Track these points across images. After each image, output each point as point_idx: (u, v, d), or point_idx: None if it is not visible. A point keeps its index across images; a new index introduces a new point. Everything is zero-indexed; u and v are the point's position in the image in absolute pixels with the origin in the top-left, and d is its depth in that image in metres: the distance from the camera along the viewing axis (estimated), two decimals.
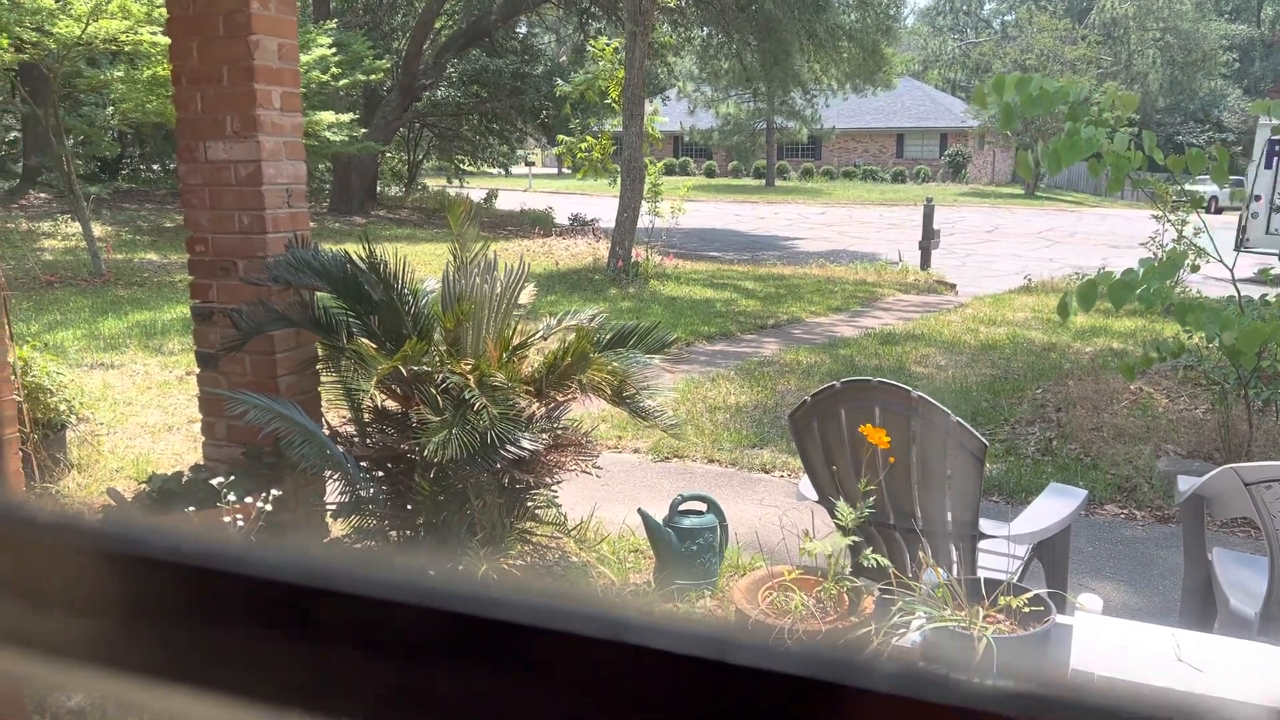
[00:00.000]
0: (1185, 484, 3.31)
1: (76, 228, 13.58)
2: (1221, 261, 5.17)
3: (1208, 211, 9.46)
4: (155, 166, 24.08)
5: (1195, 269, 6.49)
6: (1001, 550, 3.30)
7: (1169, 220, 9.12)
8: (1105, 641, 2.42)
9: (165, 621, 0.22)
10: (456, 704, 0.19)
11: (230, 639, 0.21)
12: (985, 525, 3.12)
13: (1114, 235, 21.92)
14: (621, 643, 0.18)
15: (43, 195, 18.61)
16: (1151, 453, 5.73)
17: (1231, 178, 28.19)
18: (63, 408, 5.12)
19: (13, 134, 23.14)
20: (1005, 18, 59.32)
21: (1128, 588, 4.18)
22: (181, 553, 0.21)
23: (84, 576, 0.23)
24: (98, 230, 13.36)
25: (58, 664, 0.23)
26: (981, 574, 3.10)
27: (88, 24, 10.58)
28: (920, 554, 3.09)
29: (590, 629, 0.18)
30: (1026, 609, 2.44)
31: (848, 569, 3.06)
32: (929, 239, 14.91)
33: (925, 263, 14.83)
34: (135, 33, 10.94)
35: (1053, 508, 3.44)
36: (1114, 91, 4.21)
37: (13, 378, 4.17)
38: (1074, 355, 8.79)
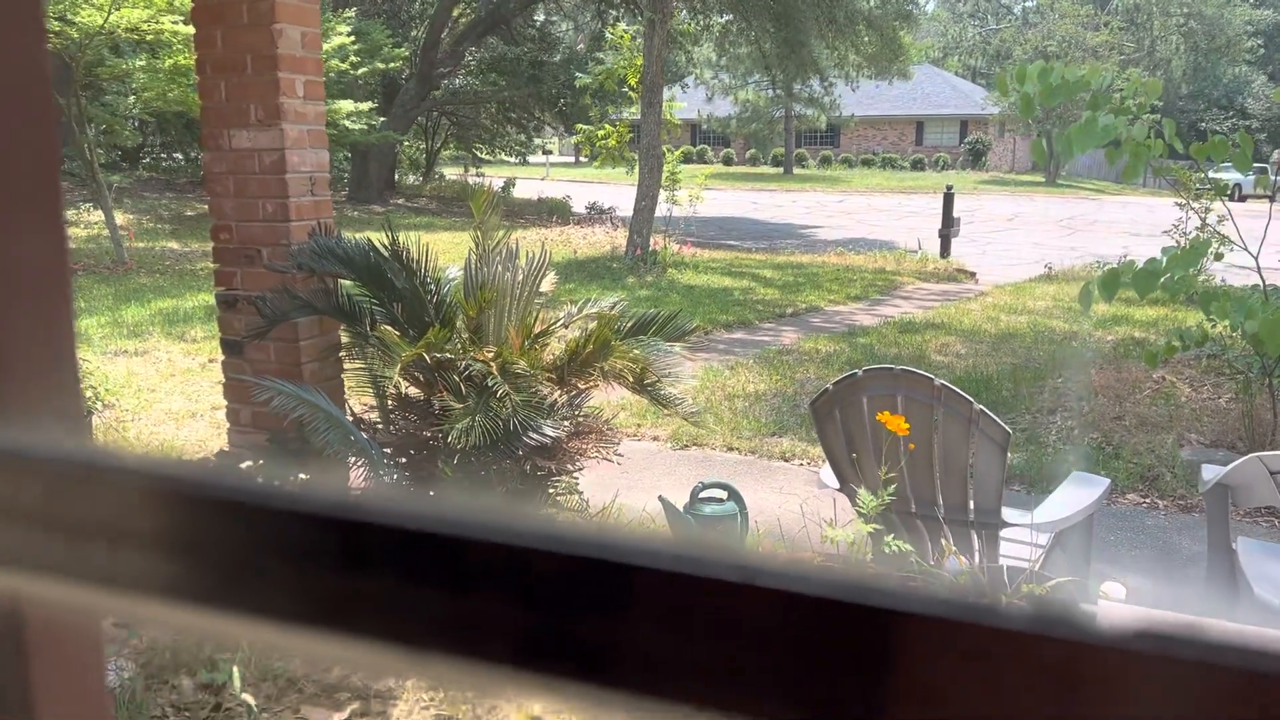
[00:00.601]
0: (1209, 473, 3.30)
1: (99, 216, 13.68)
2: (1246, 249, 5.13)
3: (1231, 199, 9.38)
4: (177, 155, 24.21)
5: (1219, 257, 6.45)
6: (1024, 539, 3.29)
7: (1192, 208, 9.05)
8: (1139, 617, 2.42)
9: (309, 568, 0.23)
10: (595, 645, 0.20)
11: (374, 586, 0.22)
12: (1008, 514, 3.12)
13: (1136, 223, 21.75)
14: (752, 585, 0.19)
15: (66, 184, 18.75)
16: (1174, 442, 5.70)
17: (1255, 165, 27.91)
18: (88, 395, 5.18)
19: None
20: (1026, 4, 58.79)
21: (1151, 577, 4.16)
22: (325, 504, 0.22)
23: (222, 527, 0.24)
24: (120, 219, 13.47)
25: (215, 615, 0.24)
26: (1004, 562, 3.11)
27: (109, 13, 10.63)
28: (942, 542, 3.09)
29: (720, 574, 0.19)
30: (1049, 597, 2.44)
31: (869, 557, 3.06)
32: (949, 227, 14.83)
33: (945, 251, 14.75)
34: (157, 21, 10.99)
35: (1075, 496, 3.43)
36: (1137, 79, 4.17)
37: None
38: (1096, 344, 8.74)
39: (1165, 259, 4.16)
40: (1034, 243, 18.31)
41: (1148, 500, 5.01)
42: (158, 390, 6.72)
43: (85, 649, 0.37)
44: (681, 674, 0.20)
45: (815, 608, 0.19)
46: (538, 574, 0.21)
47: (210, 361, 7.05)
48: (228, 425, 4.18)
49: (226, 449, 4.14)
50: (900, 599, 0.20)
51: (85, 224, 14.92)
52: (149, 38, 11.58)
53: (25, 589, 0.29)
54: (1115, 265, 4.27)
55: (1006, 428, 3.03)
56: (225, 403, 4.17)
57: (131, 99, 13.88)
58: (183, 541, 0.24)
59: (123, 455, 0.26)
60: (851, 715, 0.20)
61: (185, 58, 11.63)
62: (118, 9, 10.65)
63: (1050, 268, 13.66)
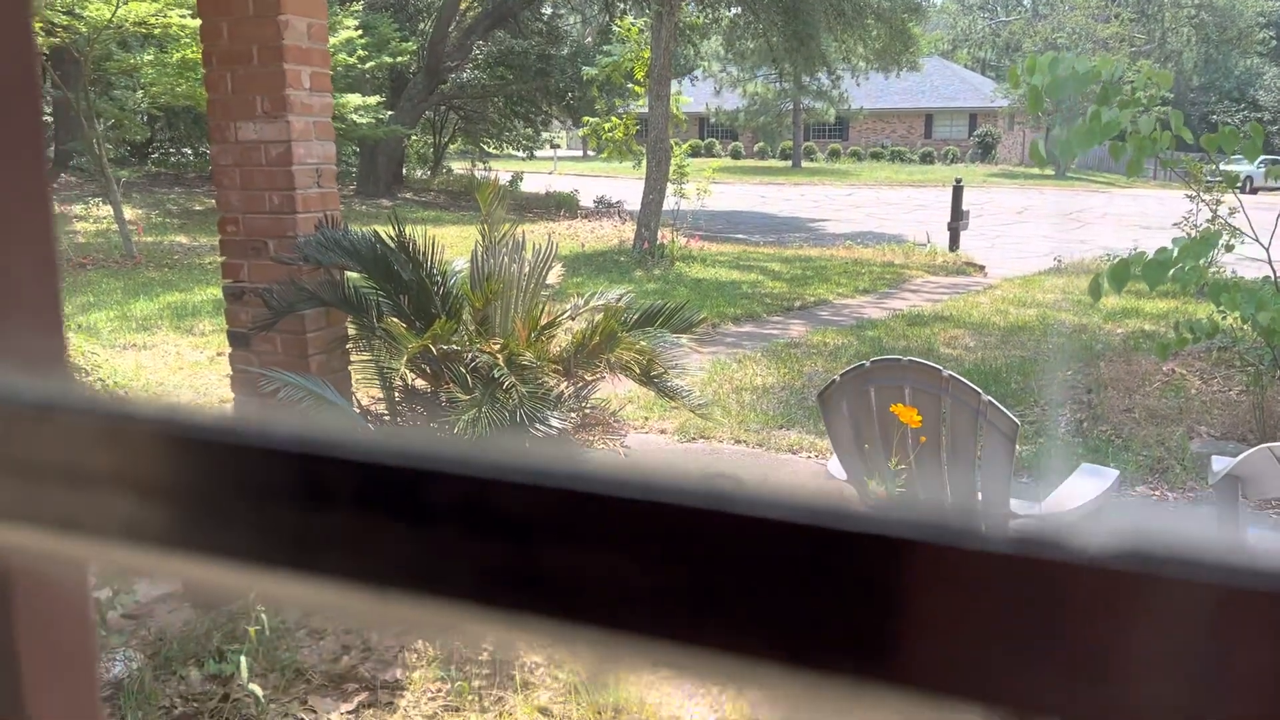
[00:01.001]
0: (1220, 464, 3.28)
1: (108, 211, 13.72)
2: (1258, 241, 5.10)
3: (1243, 191, 9.32)
4: (185, 150, 24.26)
5: (1230, 249, 6.41)
6: None
7: (1202, 200, 9.00)
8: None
9: (277, 510, 0.22)
10: (563, 578, 0.20)
11: (334, 522, 0.22)
12: (1016, 505, 3.11)
13: (1146, 216, 21.64)
14: (724, 513, 0.19)
15: (74, 178, 18.82)
16: (1184, 434, 5.67)
17: (1265, 156, 27.76)
18: (97, 387, 5.19)
19: (44, 118, 23.36)
20: None
21: None
22: (282, 439, 0.22)
23: (187, 466, 0.23)
24: (128, 213, 13.50)
25: (170, 555, 0.23)
26: None
27: (118, 7, 10.65)
28: None
29: (691, 500, 0.19)
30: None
31: None
32: (958, 220, 14.78)
33: (954, 244, 14.70)
34: (165, 15, 11.01)
35: (1084, 488, 3.41)
36: (1148, 70, 4.14)
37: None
38: (1105, 336, 8.71)
39: (1176, 250, 4.13)
40: (1043, 235, 18.24)
41: (1157, 492, 4.99)
42: (166, 383, 6.74)
43: (73, 598, 0.37)
44: (651, 606, 0.20)
45: (789, 533, 0.19)
46: (500, 506, 0.21)
47: (218, 355, 7.07)
48: None
49: None
50: (876, 523, 0.19)
51: (94, 218, 14.96)
52: (157, 31, 11.60)
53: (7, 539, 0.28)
54: (1126, 257, 4.25)
55: (1014, 419, 3.02)
56: (233, 395, 4.18)
57: (140, 93, 13.91)
58: (137, 480, 0.24)
59: (76, 394, 0.26)
60: (828, 641, 0.20)
61: (193, 51, 11.64)
62: (125, 3, 10.67)
63: (1060, 260, 13.60)
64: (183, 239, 14.05)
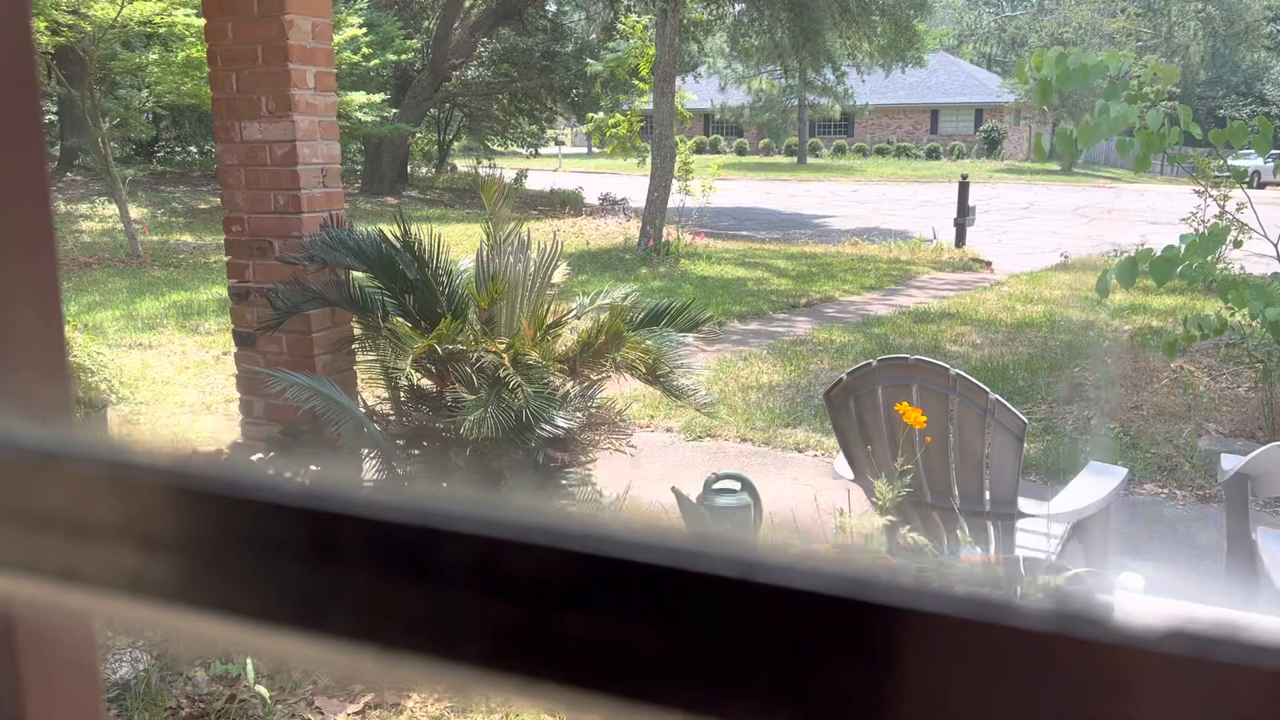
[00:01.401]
0: (1229, 462, 3.26)
1: (113, 210, 13.74)
2: (1266, 236, 5.07)
3: (1251, 186, 9.27)
4: (191, 149, 24.30)
5: (1238, 244, 6.38)
6: (1040, 529, 3.27)
7: (1210, 195, 8.96)
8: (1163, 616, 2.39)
9: (276, 562, 0.21)
10: (579, 645, 0.19)
11: (343, 581, 0.21)
12: (1024, 504, 3.10)
13: (1153, 211, 21.57)
14: (749, 581, 0.18)
15: (80, 177, 18.85)
16: (1193, 431, 5.65)
17: (1274, 150, 27.59)
18: (103, 387, 5.20)
19: (49, 117, 23.44)
20: None
21: (1169, 567, 4.13)
22: (292, 495, 0.21)
23: (195, 520, 0.22)
24: (134, 212, 13.52)
25: (175, 610, 0.22)
26: (1020, 553, 3.08)
27: (123, 6, 10.66)
28: (958, 532, 3.07)
29: (714, 568, 0.18)
30: (1066, 588, 2.41)
31: (885, 548, 3.04)
32: (964, 216, 14.73)
33: (960, 240, 14.66)
34: (169, 14, 11.02)
35: (1092, 486, 3.40)
36: (1155, 65, 4.11)
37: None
38: (1113, 333, 8.68)
39: (1183, 246, 4.11)
40: (1050, 231, 18.19)
41: (1166, 490, 4.96)
42: (172, 383, 6.74)
43: (78, 652, 0.36)
44: (670, 676, 0.19)
45: (816, 605, 0.18)
46: (516, 568, 0.20)
47: (224, 354, 7.07)
48: (241, 418, 4.18)
49: (240, 441, 4.14)
50: (907, 595, 0.18)
51: (100, 218, 14.99)
52: (162, 30, 11.60)
53: (13, 590, 0.28)
54: (1133, 253, 4.23)
55: (1023, 417, 3.00)
56: (238, 395, 4.18)
57: (145, 92, 13.92)
58: (146, 534, 0.23)
59: (82, 444, 0.25)
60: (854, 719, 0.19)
61: (198, 50, 11.64)
62: (131, 2, 10.68)
63: (1066, 256, 13.56)
64: (188, 238, 14.06)
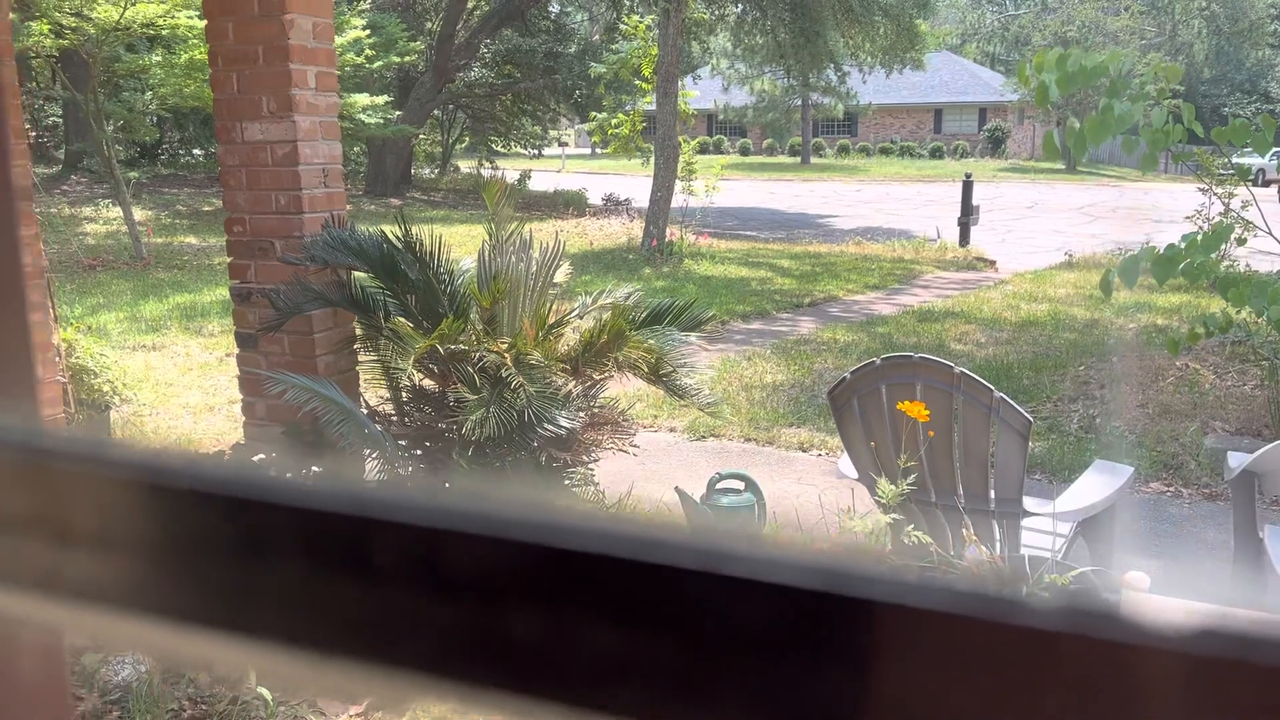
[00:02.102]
0: (1236, 460, 3.24)
1: (117, 212, 13.75)
2: (1270, 234, 5.05)
3: (1255, 184, 9.23)
4: (195, 151, 24.33)
5: (1242, 242, 6.35)
6: (1046, 528, 3.25)
7: (1215, 193, 8.93)
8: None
9: (207, 561, 0.20)
10: (532, 642, 0.17)
11: (275, 578, 0.19)
12: (1029, 503, 3.08)
13: (1158, 210, 21.51)
14: (713, 574, 0.16)
15: (84, 180, 18.88)
16: (1198, 429, 5.63)
17: (1276, 148, 27.46)
18: (106, 389, 5.19)
19: (54, 119, 23.49)
20: None
21: (1176, 566, 4.11)
22: (224, 484, 0.19)
23: (120, 512, 0.21)
24: (138, 214, 13.53)
25: (95, 610, 0.21)
26: (1025, 552, 3.06)
27: (125, 8, 10.67)
28: (963, 531, 3.05)
29: (675, 559, 0.16)
30: (1071, 587, 2.40)
31: (889, 547, 3.02)
32: (968, 215, 14.70)
33: (964, 239, 14.63)
34: (172, 17, 11.02)
35: (1098, 485, 3.38)
36: (1158, 64, 4.09)
37: (57, 359, 4.23)
38: (1118, 331, 8.65)
39: (1185, 244, 4.09)
40: (1054, 230, 18.15)
41: (1172, 489, 4.94)
42: (175, 384, 6.74)
43: (41, 662, 0.34)
44: (630, 678, 0.17)
45: (788, 599, 0.17)
46: (460, 561, 0.18)
47: (227, 355, 7.07)
48: (244, 419, 4.18)
49: (243, 442, 4.14)
50: (890, 588, 0.17)
51: (104, 220, 15.00)
52: (165, 32, 11.62)
53: None
54: (1135, 252, 4.20)
55: (1027, 415, 2.98)
56: (241, 396, 4.17)
57: (148, 95, 13.94)
58: (58, 527, 0.21)
59: (7, 433, 0.23)
60: None
61: (201, 52, 11.65)
62: (134, 4, 10.69)
63: (1071, 255, 13.52)
64: (192, 239, 14.07)
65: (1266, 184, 25.38)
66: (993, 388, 2.98)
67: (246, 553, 0.19)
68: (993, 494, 3.06)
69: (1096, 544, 3.38)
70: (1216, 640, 0.16)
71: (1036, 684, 0.16)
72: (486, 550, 0.18)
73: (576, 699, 0.17)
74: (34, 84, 18.42)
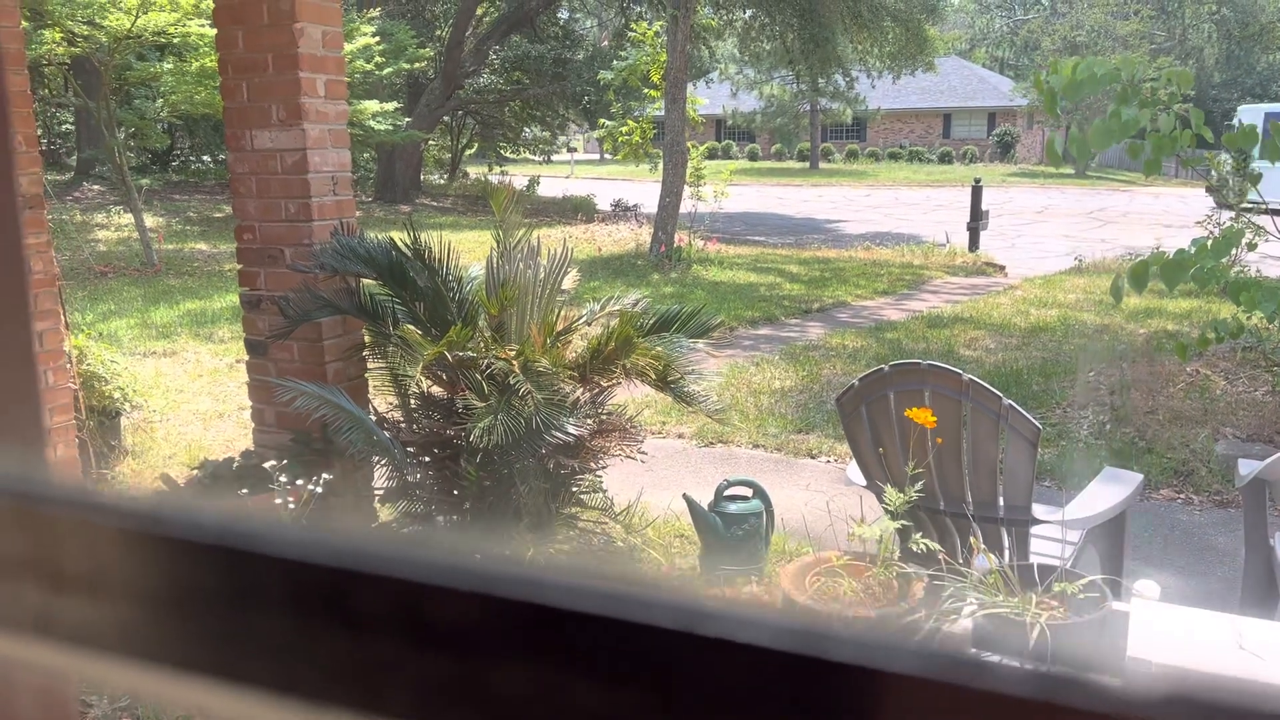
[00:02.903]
0: (1246, 468, 3.22)
1: (129, 219, 13.82)
2: None
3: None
4: (205, 158, 24.45)
5: (1253, 247, 6.32)
6: (1055, 536, 3.24)
7: (1224, 199, 8.90)
8: (1163, 629, 2.37)
9: (200, 610, 0.20)
10: (511, 698, 0.17)
11: (269, 627, 0.19)
12: (1038, 510, 3.07)
13: (1168, 215, 21.44)
14: (694, 634, 0.16)
15: (96, 187, 18.98)
16: (1209, 436, 5.60)
17: None
18: (117, 395, 5.22)
19: (66, 127, 23.63)
20: None
21: (1186, 574, 4.09)
22: (207, 532, 0.20)
23: (102, 557, 0.21)
24: (149, 221, 13.60)
25: (100, 657, 0.21)
26: (1034, 560, 3.05)
27: (137, 16, 10.73)
28: (971, 539, 3.04)
29: (655, 618, 0.16)
30: (1081, 595, 2.39)
31: (897, 554, 3.02)
32: (977, 220, 14.67)
33: (973, 244, 14.60)
34: (183, 25, 11.09)
35: (1107, 492, 3.36)
36: (1169, 71, 4.08)
37: (68, 366, 4.25)
38: (1128, 337, 8.62)
39: (1195, 249, 4.07)
40: (1064, 235, 18.09)
41: (1182, 496, 4.92)
42: (186, 391, 6.77)
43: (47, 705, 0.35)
44: None
45: (763, 660, 0.17)
46: (445, 616, 0.18)
47: (237, 362, 7.09)
48: (253, 425, 4.19)
49: (253, 449, 4.15)
50: (867, 652, 0.17)
51: (115, 226, 15.08)
52: (176, 40, 11.68)
53: None
54: (1145, 257, 4.19)
55: (1036, 423, 2.97)
56: (250, 403, 4.19)
57: (159, 102, 14.01)
58: (51, 574, 0.22)
59: (5, 479, 0.23)
60: None
61: (211, 60, 11.71)
62: (145, 13, 10.75)
63: (1081, 260, 13.48)
64: (203, 246, 14.13)
65: None
66: (1001, 395, 2.97)
67: (238, 603, 0.20)
68: (1001, 501, 3.05)
69: (1106, 552, 3.37)
70: (1184, 709, 0.16)
71: None
72: (472, 606, 0.18)
73: None
74: (46, 92, 18.53)
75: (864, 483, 3.34)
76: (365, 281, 3.89)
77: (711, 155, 16.86)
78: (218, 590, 0.20)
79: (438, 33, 24.03)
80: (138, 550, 0.21)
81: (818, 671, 0.16)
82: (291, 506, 3.24)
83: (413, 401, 3.75)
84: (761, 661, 0.16)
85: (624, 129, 14.72)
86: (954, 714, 0.16)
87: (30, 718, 0.29)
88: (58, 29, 10.97)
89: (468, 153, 29.59)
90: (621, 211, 19.39)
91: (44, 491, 0.22)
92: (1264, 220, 5.35)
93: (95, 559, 0.21)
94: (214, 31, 4.05)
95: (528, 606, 0.17)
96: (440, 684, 0.18)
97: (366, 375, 4.07)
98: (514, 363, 3.36)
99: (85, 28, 10.85)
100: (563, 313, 3.83)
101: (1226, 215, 8.88)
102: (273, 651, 0.19)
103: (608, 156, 29.03)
